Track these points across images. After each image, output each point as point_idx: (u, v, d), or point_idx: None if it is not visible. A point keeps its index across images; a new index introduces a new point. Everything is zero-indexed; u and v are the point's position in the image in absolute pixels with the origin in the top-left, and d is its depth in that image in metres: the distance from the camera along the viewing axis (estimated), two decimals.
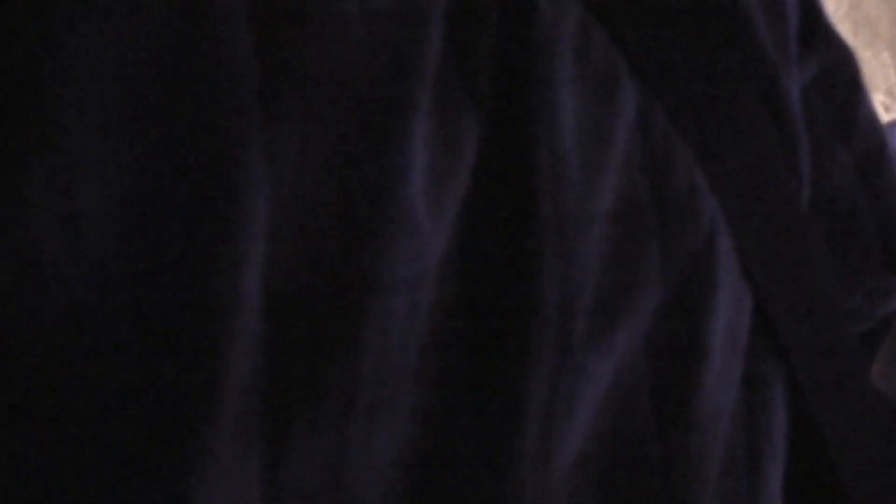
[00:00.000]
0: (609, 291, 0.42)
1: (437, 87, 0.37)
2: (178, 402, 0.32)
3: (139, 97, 0.32)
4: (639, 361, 0.44)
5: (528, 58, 0.40)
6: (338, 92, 0.35)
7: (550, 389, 0.40)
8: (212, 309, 0.32)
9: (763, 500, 0.49)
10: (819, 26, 0.57)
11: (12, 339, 0.30)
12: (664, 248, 0.44)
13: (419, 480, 0.38)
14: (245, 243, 0.32)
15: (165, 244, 0.32)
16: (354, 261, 0.35)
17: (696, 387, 0.45)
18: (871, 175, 0.61)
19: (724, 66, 0.48)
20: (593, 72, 0.42)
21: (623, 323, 0.43)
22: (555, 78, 0.40)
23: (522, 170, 0.39)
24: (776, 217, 0.50)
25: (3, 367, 0.30)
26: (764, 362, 0.50)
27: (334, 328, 0.35)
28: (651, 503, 0.44)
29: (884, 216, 0.61)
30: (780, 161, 0.50)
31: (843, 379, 0.53)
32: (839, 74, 0.59)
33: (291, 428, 0.34)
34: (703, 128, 0.47)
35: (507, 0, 0.40)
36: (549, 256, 0.39)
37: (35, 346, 0.30)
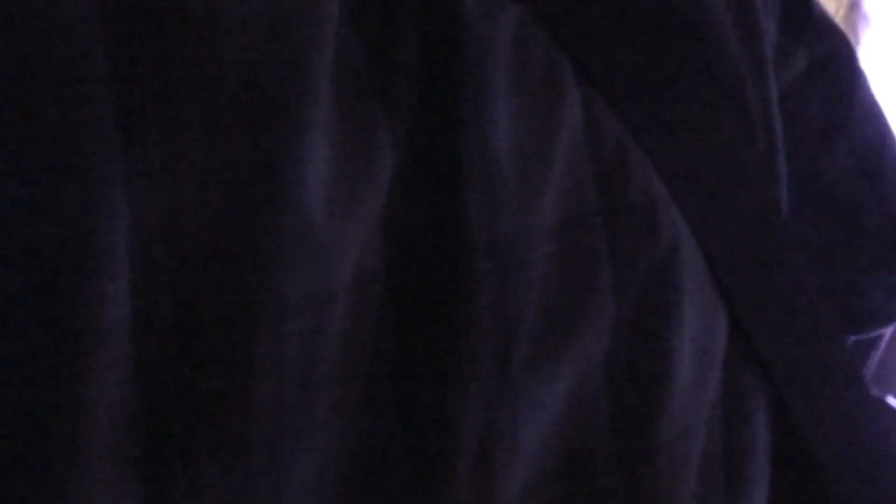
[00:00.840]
0: (555, 312, 0.40)
1: (341, 98, 0.35)
2: (41, 448, 0.30)
3: None
4: (597, 386, 0.42)
5: (455, 64, 0.38)
6: (211, 104, 0.32)
7: (488, 417, 0.38)
8: (72, 344, 0.30)
9: None
10: (807, 16, 0.55)
11: None
12: (617, 265, 0.42)
13: None
14: (105, 272, 0.31)
15: (16, 277, 0.30)
16: (239, 282, 0.33)
17: (661, 408, 0.43)
18: (874, 164, 0.58)
19: (683, 69, 0.45)
20: (532, 77, 0.40)
21: (571, 345, 0.40)
22: (486, 85, 0.38)
23: (450, 183, 0.37)
24: (748, 225, 0.47)
25: None
26: (744, 375, 0.48)
27: (219, 350, 0.33)
28: None
29: (893, 207, 0.59)
30: (752, 166, 0.48)
31: (830, 387, 0.50)
32: (833, 63, 0.56)
33: (174, 467, 0.32)
34: (662, 135, 0.44)
35: (428, 2, 0.38)
36: (483, 276, 0.37)
37: None
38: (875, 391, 0.56)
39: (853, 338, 0.61)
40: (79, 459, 0.30)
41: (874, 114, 0.59)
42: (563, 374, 0.40)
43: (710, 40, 0.47)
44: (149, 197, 0.32)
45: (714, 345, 0.46)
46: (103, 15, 0.31)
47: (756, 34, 0.49)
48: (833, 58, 0.57)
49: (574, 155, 0.41)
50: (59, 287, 0.30)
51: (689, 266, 0.44)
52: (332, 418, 0.35)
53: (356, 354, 0.36)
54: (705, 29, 0.47)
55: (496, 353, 0.38)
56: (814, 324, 0.50)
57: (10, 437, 0.30)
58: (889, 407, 0.55)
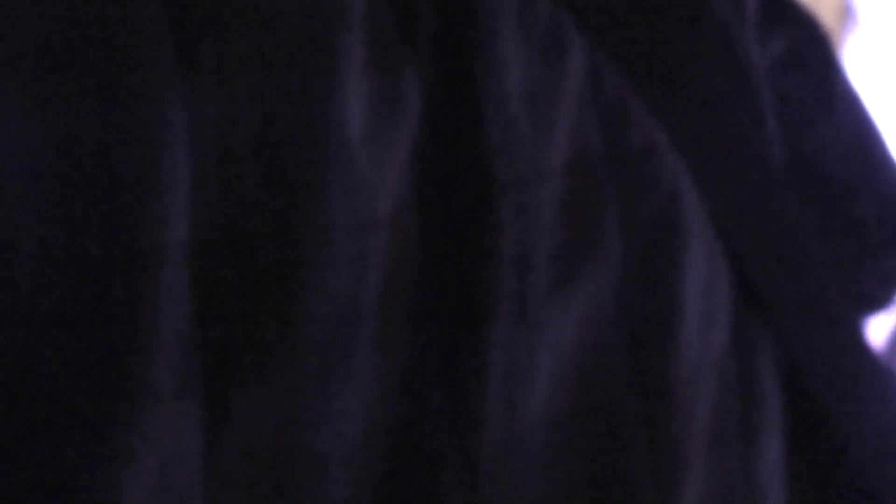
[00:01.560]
0: (564, 247, 0.42)
1: (371, 39, 0.37)
2: (108, 358, 0.32)
3: (50, 55, 0.32)
4: (609, 321, 0.44)
5: (470, 13, 0.40)
6: (262, 38, 0.35)
7: (510, 345, 0.40)
8: (136, 262, 0.32)
9: (761, 473, 0.49)
10: (785, 1, 0.57)
11: None
12: (623, 205, 0.44)
13: (385, 443, 0.38)
14: (167, 194, 0.33)
15: (83, 198, 0.32)
16: (288, 207, 0.35)
17: (672, 345, 0.45)
18: (861, 147, 0.60)
19: (675, 20, 0.48)
20: (538, 27, 0.42)
21: (581, 280, 0.42)
22: (498, 34, 0.40)
23: (472, 125, 0.39)
24: (747, 175, 0.49)
25: None
26: (752, 329, 0.49)
27: (270, 275, 0.35)
28: (631, 466, 0.44)
29: (884, 193, 0.60)
30: (745, 120, 0.50)
31: (834, 335, 0.52)
32: (811, 49, 0.58)
33: (233, 383, 0.34)
34: (659, 82, 0.46)
35: None
36: (504, 213, 0.40)
37: None
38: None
39: None
40: (142, 374, 0.32)
41: (854, 98, 0.60)
42: (575, 307, 0.42)
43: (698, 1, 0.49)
44: (204, 124, 0.34)
45: (719, 289, 0.48)
46: None
47: (739, 3, 0.51)
48: (809, 42, 0.58)
49: (579, 101, 0.43)
50: (125, 207, 0.32)
51: (691, 212, 0.46)
52: (377, 348, 0.37)
53: (396, 285, 0.38)
54: None
55: (515, 288, 0.40)
56: (815, 273, 0.52)
57: (74, 356, 0.32)
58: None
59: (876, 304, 0.62)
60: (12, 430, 0.32)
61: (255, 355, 0.34)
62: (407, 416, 0.38)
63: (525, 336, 0.40)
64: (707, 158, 0.48)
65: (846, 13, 1.13)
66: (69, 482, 0.32)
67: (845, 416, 0.52)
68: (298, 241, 0.35)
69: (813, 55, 0.59)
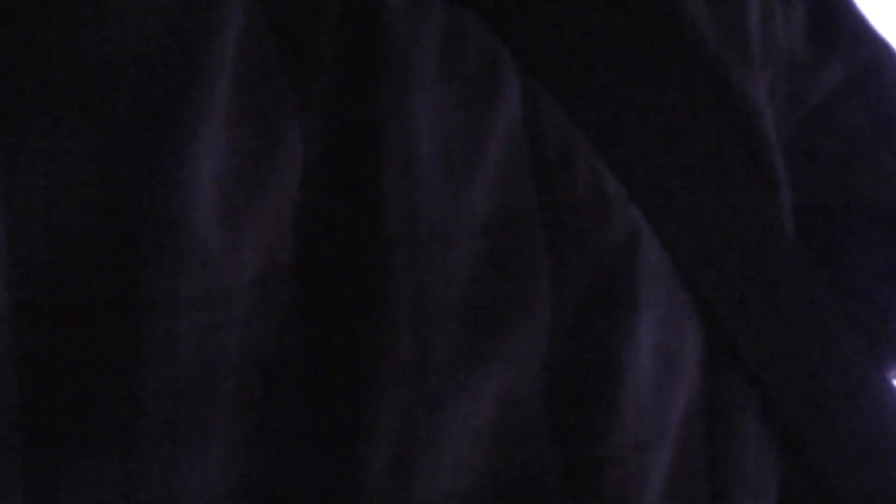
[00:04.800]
0: (480, 313, 0.38)
1: (242, 85, 0.35)
2: None
3: None
4: (534, 393, 0.40)
5: (375, 54, 0.37)
6: (97, 92, 0.32)
7: (405, 422, 0.37)
8: None
9: None
10: (841, 26, 0.52)
11: None
12: (556, 264, 0.40)
13: None
14: None
15: None
16: (124, 277, 0.33)
17: (612, 418, 0.40)
18: None
19: (646, 60, 0.43)
20: (466, 69, 0.39)
21: (497, 348, 0.39)
22: (408, 76, 0.37)
23: (367, 176, 0.36)
24: (730, 228, 0.44)
25: None
26: (731, 389, 0.45)
27: (105, 349, 0.33)
28: None
29: None
30: (737, 166, 0.44)
31: (832, 397, 0.47)
32: (876, 74, 0.53)
33: (58, 457, 0.32)
34: (618, 128, 0.42)
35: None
36: (401, 273, 0.36)
37: None
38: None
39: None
40: None
41: None
42: (489, 378, 0.39)
43: (678, 29, 0.44)
44: (28, 190, 0.32)
45: (684, 354, 0.44)
46: None
47: (738, 27, 0.47)
48: (874, 66, 0.53)
49: (510, 148, 0.39)
50: None
51: (650, 268, 0.42)
52: (237, 414, 0.35)
53: (262, 351, 0.35)
54: (671, 15, 0.44)
55: (414, 357, 0.37)
56: (812, 335, 0.47)
57: None
58: None
59: None
60: None
61: (89, 425, 0.33)
62: (270, 490, 0.36)
63: (426, 407, 0.37)
64: (677, 210, 0.43)
65: None
66: None
67: (843, 488, 0.48)
68: (138, 313, 0.33)
69: (877, 78, 0.53)
